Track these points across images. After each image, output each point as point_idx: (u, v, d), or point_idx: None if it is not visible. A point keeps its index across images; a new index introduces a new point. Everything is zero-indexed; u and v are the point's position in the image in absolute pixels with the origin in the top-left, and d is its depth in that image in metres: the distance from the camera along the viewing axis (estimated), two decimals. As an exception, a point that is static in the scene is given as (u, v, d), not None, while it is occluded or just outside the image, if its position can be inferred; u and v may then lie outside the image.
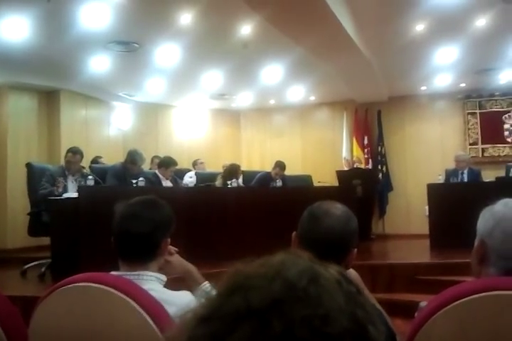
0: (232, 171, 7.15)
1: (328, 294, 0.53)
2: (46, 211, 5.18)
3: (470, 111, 9.56)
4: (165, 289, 1.65)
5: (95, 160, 7.63)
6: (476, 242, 1.43)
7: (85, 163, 6.37)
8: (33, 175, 5.63)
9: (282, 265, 0.56)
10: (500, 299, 1.19)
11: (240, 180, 7.46)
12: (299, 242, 1.58)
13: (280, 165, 7.45)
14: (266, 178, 7.48)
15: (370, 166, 9.80)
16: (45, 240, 5.30)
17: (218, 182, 6.96)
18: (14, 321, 1.47)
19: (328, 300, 0.53)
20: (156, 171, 6.71)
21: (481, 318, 1.20)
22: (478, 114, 9.50)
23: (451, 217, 6.55)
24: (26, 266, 5.35)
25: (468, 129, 9.54)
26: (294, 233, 1.62)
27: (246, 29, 6.13)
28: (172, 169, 6.66)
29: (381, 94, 9.48)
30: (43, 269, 5.07)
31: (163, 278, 1.69)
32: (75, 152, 5.72)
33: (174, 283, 1.75)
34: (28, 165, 5.74)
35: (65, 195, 5.16)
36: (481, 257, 1.41)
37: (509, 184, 6.54)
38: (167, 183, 6.58)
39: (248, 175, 7.70)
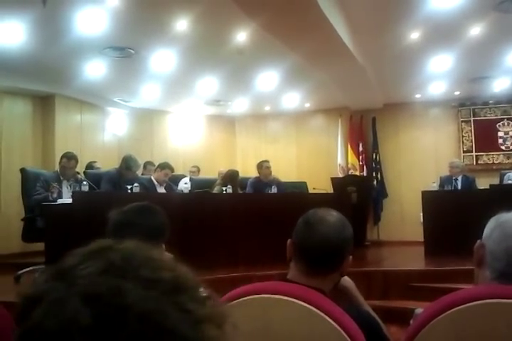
0: (232, 177, 7.13)
1: (116, 296, 0.51)
2: (40, 216, 5.17)
3: (464, 118, 9.60)
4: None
5: (90, 165, 7.61)
6: (476, 245, 1.44)
7: (80, 168, 6.35)
8: (28, 180, 5.61)
9: (54, 320, 0.50)
10: (495, 307, 1.20)
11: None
12: (294, 249, 1.58)
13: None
14: (257, 183, 7.49)
15: (364, 173, 9.82)
16: (40, 246, 5.27)
17: (216, 189, 6.94)
18: (7, 327, 1.45)
19: (123, 301, 0.50)
20: (152, 177, 6.71)
21: (476, 326, 1.20)
22: (472, 122, 9.54)
23: (445, 224, 6.56)
24: (20, 272, 5.31)
25: (463, 137, 9.58)
26: (289, 240, 1.62)
27: (241, 36, 6.15)
28: (167, 172, 6.66)
29: (376, 102, 9.52)
30: (37, 275, 5.04)
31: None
32: (69, 157, 5.70)
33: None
34: (23, 171, 5.72)
35: (60, 201, 5.14)
36: (479, 259, 1.41)
37: (503, 191, 6.56)
38: (161, 190, 6.58)
39: (243, 182, 7.70)
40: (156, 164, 7.16)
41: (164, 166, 6.72)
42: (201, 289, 0.58)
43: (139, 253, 0.57)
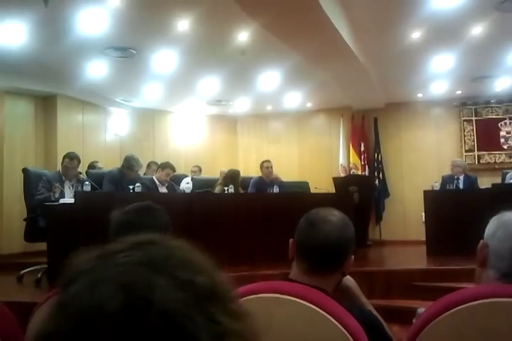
0: (233, 176, 7.14)
1: (147, 289, 0.51)
2: (42, 216, 5.18)
3: (466, 118, 9.59)
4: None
5: (92, 165, 7.62)
6: (479, 244, 1.44)
7: (82, 168, 6.36)
8: (30, 180, 5.62)
9: (86, 297, 0.51)
10: (497, 306, 1.20)
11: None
12: (296, 249, 1.58)
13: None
14: (260, 182, 7.52)
15: (366, 173, 9.82)
16: (42, 245, 5.29)
17: (218, 189, 6.95)
18: (10, 327, 1.46)
19: (151, 295, 0.50)
20: (154, 177, 6.72)
21: (478, 325, 1.20)
22: (474, 121, 9.54)
23: (447, 224, 6.56)
24: (22, 272, 5.33)
25: (464, 136, 9.57)
26: (291, 240, 1.62)
27: (243, 36, 6.15)
28: (168, 172, 6.66)
29: (378, 101, 9.51)
30: (39, 275, 5.05)
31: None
32: (72, 158, 5.71)
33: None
34: (25, 171, 5.74)
35: (62, 201, 5.15)
36: (482, 259, 1.41)
37: (505, 191, 6.55)
38: (163, 189, 6.58)
39: (245, 181, 7.71)
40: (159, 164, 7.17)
41: (165, 166, 6.73)
42: (238, 303, 0.57)
43: (181, 253, 0.58)
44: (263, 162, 7.73)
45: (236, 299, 0.58)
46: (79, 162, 5.81)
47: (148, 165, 8.17)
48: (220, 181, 7.23)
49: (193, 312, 0.51)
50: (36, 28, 5.73)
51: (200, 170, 8.90)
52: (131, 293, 0.50)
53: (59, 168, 6.00)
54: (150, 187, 6.32)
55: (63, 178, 5.63)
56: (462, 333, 1.21)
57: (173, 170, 6.83)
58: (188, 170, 8.83)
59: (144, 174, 7.63)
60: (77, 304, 0.51)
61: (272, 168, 7.64)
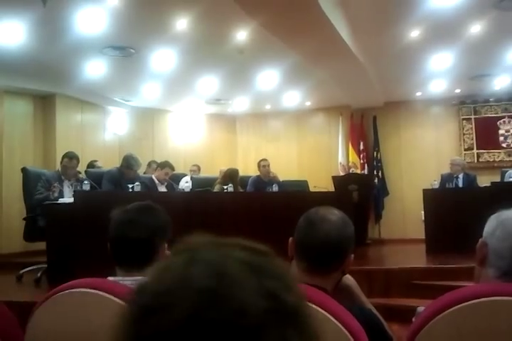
0: (231, 175, 7.14)
1: (237, 283, 0.52)
2: (42, 216, 5.17)
3: (465, 116, 9.59)
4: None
5: (91, 164, 7.62)
6: (479, 243, 1.44)
7: (81, 167, 6.36)
8: (29, 179, 5.61)
9: (184, 269, 0.54)
10: (497, 305, 1.20)
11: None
12: (295, 248, 1.58)
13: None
14: (258, 181, 7.53)
15: (365, 171, 9.81)
16: (41, 245, 5.28)
17: (217, 188, 6.95)
18: (10, 327, 1.46)
19: (238, 290, 0.52)
20: (153, 176, 6.72)
21: (478, 324, 1.21)
22: (473, 120, 9.54)
23: (446, 222, 6.56)
24: (22, 271, 5.33)
25: (463, 135, 9.58)
26: (290, 239, 1.62)
27: (242, 35, 6.15)
28: (167, 171, 6.67)
29: (377, 100, 9.51)
30: (38, 274, 5.04)
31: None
32: (71, 157, 5.71)
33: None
34: (24, 170, 5.73)
35: (61, 200, 5.15)
36: (481, 258, 1.41)
37: (504, 189, 6.55)
38: (162, 188, 6.58)
39: (244, 180, 7.71)
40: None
41: (164, 165, 6.74)
42: (315, 328, 0.57)
43: (279, 268, 0.58)
44: (260, 161, 7.75)
45: (313, 324, 0.58)
46: (78, 161, 5.80)
47: (149, 164, 8.19)
48: (219, 180, 7.22)
49: (268, 323, 0.51)
50: (35, 27, 5.72)
51: (199, 169, 8.90)
52: (220, 280, 0.52)
53: (58, 167, 6.00)
54: (149, 186, 6.32)
55: (62, 178, 5.62)
56: (462, 332, 1.22)
57: (172, 169, 6.83)
58: (187, 169, 8.83)
59: (144, 173, 7.64)
60: (173, 272, 0.54)
61: (269, 166, 7.65)
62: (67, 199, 5.16)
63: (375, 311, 1.69)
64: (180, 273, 0.54)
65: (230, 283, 0.52)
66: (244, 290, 0.52)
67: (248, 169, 9.64)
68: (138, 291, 0.56)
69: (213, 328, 0.49)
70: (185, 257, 0.56)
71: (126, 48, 6.58)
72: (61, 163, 5.76)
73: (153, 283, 0.55)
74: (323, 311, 1.29)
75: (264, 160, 7.73)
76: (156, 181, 6.60)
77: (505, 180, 7.39)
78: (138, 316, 0.53)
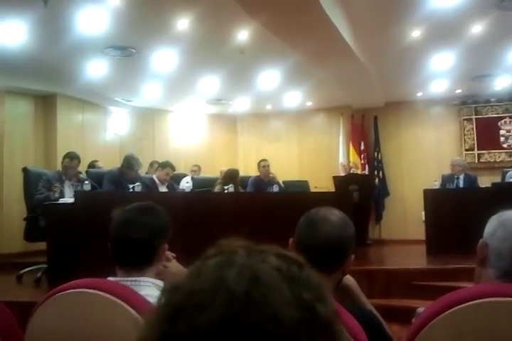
0: (232, 176, 7.14)
1: (272, 290, 0.52)
2: (42, 216, 5.17)
3: (466, 117, 9.59)
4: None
5: (92, 165, 7.63)
6: (479, 244, 1.43)
7: (82, 168, 6.36)
8: (30, 179, 5.61)
9: (219, 271, 0.54)
10: (497, 306, 1.19)
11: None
12: (295, 248, 1.58)
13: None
14: (258, 181, 7.53)
15: (366, 171, 9.81)
16: (42, 245, 5.28)
17: (217, 188, 6.95)
18: (10, 327, 1.46)
19: (273, 297, 0.52)
20: (154, 176, 6.72)
21: (478, 324, 1.20)
22: (474, 120, 9.53)
23: (447, 223, 6.56)
24: (22, 271, 5.33)
25: (464, 135, 9.57)
26: (290, 239, 1.62)
27: (243, 35, 6.15)
28: (168, 171, 6.67)
29: (377, 100, 9.51)
30: (39, 274, 5.05)
31: (161, 283, 1.68)
32: (72, 157, 5.71)
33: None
34: (25, 170, 5.73)
35: (62, 200, 5.15)
36: (482, 258, 1.41)
37: (505, 190, 6.55)
38: (163, 188, 6.59)
39: (244, 181, 7.72)
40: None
41: (165, 165, 6.74)
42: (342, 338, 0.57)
43: (314, 278, 0.58)
44: (260, 161, 7.77)
45: (343, 338, 0.58)
46: (79, 162, 5.81)
47: (151, 165, 8.21)
48: (219, 180, 7.23)
49: (300, 333, 0.51)
50: (36, 27, 5.72)
51: (199, 170, 8.91)
52: (255, 285, 0.52)
53: (59, 167, 6.00)
54: (150, 186, 6.32)
55: (63, 178, 5.62)
56: (462, 333, 1.21)
57: (173, 169, 6.84)
58: (188, 170, 8.84)
59: (147, 173, 7.66)
60: (208, 274, 0.54)
61: (268, 166, 7.65)
62: (68, 199, 5.16)
63: (375, 312, 1.69)
64: (215, 274, 0.54)
65: (264, 289, 0.52)
66: (278, 297, 0.52)
67: (249, 169, 9.64)
68: (171, 290, 0.56)
69: (245, 333, 0.49)
70: (220, 260, 0.56)
71: (127, 48, 6.58)
72: (62, 163, 5.76)
73: (186, 283, 0.55)
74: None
75: (264, 160, 7.74)
76: (157, 181, 6.61)
77: (506, 180, 7.38)
78: (169, 315, 0.52)
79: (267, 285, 0.53)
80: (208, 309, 0.50)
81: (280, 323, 0.50)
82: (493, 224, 1.41)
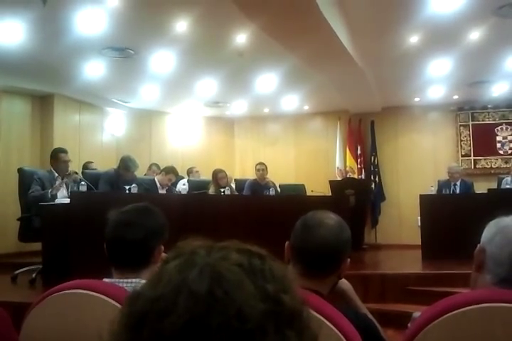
0: (213, 175, 7.13)
1: (235, 286, 0.52)
2: (37, 216, 5.15)
3: (462, 123, 9.62)
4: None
5: (85, 166, 7.62)
6: (477, 249, 1.43)
7: (77, 169, 6.34)
8: (25, 180, 5.59)
9: (179, 273, 0.54)
10: (492, 311, 1.19)
11: (233, 186, 7.54)
12: (292, 252, 1.58)
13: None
14: (255, 185, 7.54)
15: (363, 176, 9.83)
16: (36, 245, 5.26)
17: (211, 190, 6.95)
18: (4, 327, 1.45)
19: (236, 293, 0.52)
20: (156, 178, 6.72)
21: (473, 330, 1.20)
22: (470, 126, 9.56)
23: (443, 228, 6.57)
24: (17, 272, 5.31)
25: (461, 141, 9.60)
26: (287, 243, 1.62)
27: (241, 38, 6.16)
28: (171, 177, 6.67)
29: (375, 105, 9.52)
30: (33, 275, 5.03)
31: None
32: (66, 151, 5.74)
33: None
34: (20, 170, 5.71)
35: (57, 201, 5.13)
36: (479, 264, 1.41)
37: (501, 196, 6.56)
38: (162, 192, 6.58)
39: (241, 184, 7.72)
40: (161, 166, 7.17)
41: (169, 171, 6.69)
42: (314, 329, 0.58)
43: (277, 269, 0.58)
44: (256, 164, 7.80)
45: (312, 325, 0.58)
46: None
47: (150, 167, 8.21)
48: (212, 182, 7.24)
49: (267, 326, 0.51)
50: (34, 27, 5.72)
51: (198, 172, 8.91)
52: (217, 284, 0.52)
53: (50, 167, 5.94)
54: (148, 188, 6.31)
55: (55, 177, 5.60)
56: (457, 338, 1.21)
57: (177, 175, 6.85)
58: (185, 172, 8.82)
59: (145, 175, 7.64)
60: (168, 278, 0.54)
61: (263, 170, 7.67)
62: (64, 199, 5.14)
63: (370, 316, 1.69)
64: (176, 277, 0.53)
65: (227, 286, 0.52)
66: (242, 293, 0.52)
67: (246, 172, 9.64)
68: (133, 298, 0.55)
69: (211, 334, 0.49)
70: (180, 262, 0.56)
71: (125, 49, 6.57)
72: (58, 159, 5.69)
73: (147, 289, 0.55)
74: (318, 315, 1.29)
75: (260, 163, 7.77)
76: (158, 184, 6.62)
77: (502, 186, 7.41)
78: (133, 324, 0.52)
79: (229, 282, 0.52)
80: (171, 314, 0.50)
81: (245, 319, 0.50)
82: (491, 230, 1.41)
